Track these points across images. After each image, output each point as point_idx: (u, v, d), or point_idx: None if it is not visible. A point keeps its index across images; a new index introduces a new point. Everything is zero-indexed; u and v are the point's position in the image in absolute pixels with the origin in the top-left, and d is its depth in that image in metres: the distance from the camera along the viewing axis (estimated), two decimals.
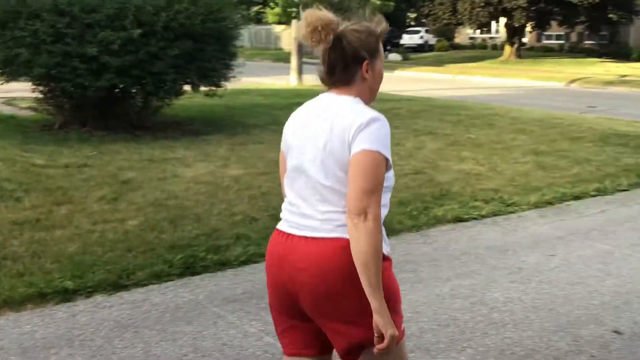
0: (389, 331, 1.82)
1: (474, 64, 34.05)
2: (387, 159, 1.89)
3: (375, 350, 1.86)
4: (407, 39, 50.26)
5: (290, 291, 1.98)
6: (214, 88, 10.44)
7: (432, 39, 50.27)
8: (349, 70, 1.98)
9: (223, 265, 4.62)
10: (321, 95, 2.07)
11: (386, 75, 2.14)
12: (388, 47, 46.45)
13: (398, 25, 59.39)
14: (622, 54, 36.23)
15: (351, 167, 1.87)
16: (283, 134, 2.12)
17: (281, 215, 2.09)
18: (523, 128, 11.41)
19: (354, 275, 1.84)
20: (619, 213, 6.48)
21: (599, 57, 36.36)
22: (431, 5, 32.66)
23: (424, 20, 34.97)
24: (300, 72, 20.89)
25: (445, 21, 33.45)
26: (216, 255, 4.71)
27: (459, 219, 6.07)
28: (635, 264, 4.94)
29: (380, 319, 1.82)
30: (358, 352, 1.97)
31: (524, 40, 44.47)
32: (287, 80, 21.40)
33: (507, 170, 8.06)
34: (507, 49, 36.17)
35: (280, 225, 2.07)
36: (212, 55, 9.86)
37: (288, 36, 32.77)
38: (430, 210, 6.19)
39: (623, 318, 3.93)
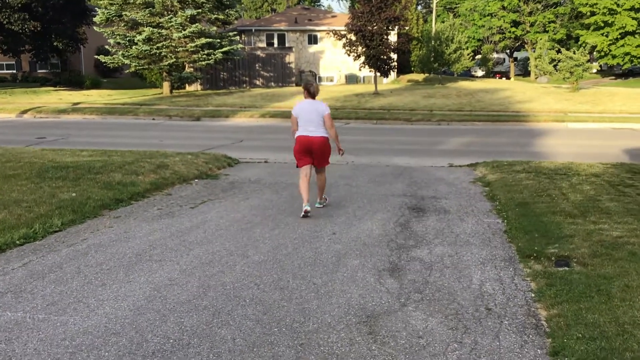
0: (342, 148, 8.08)
1: None
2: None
3: (341, 154, 8.04)
4: None
5: (311, 149, 7.70)
6: None
7: None
8: (315, 94, 7.88)
9: None
10: (308, 99, 7.83)
11: None
12: None
13: None
14: (76, 82, 36.64)
15: (326, 118, 7.73)
16: (295, 109, 7.85)
17: (301, 131, 7.72)
18: None
19: (328, 145, 7.83)
20: (44, 262, 5.60)
21: (54, 85, 35.93)
22: None
23: None
24: None
25: None
26: None
27: None
28: (47, 331, 4.08)
29: (340, 146, 8.02)
30: (322, 168, 7.99)
31: None
32: None
33: None
34: None
35: (303, 133, 7.70)
36: None
37: None
38: None
39: None
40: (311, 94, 7.82)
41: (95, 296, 4.75)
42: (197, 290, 4.89)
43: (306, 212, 7.47)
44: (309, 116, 7.67)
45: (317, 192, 8.02)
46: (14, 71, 42.14)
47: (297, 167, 7.88)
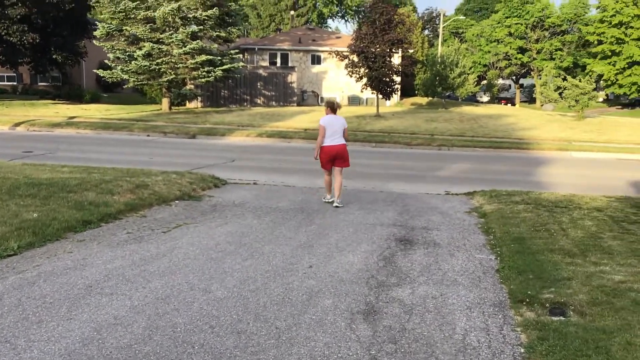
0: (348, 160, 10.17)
1: None
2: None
3: (345, 165, 10.00)
4: None
5: (335, 156, 9.73)
6: None
7: None
8: (337, 110, 9.94)
9: None
10: (331, 114, 9.76)
11: None
12: None
13: None
14: (75, 96, 36.31)
15: (345, 130, 9.81)
16: (324, 122, 9.65)
17: (328, 142, 9.65)
18: None
19: (347, 150, 9.92)
20: None
21: (54, 99, 35.62)
22: None
23: None
24: None
25: None
26: None
27: None
28: None
29: (348, 158, 10.08)
30: (342, 168, 9.94)
31: None
32: None
33: None
34: None
35: (329, 143, 9.64)
36: None
37: None
38: None
39: None
40: (334, 110, 9.82)
41: (26, 336, 4.19)
42: (143, 332, 4.33)
43: (332, 202, 9.82)
44: (334, 128, 9.65)
45: (336, 193, 9.76)
46: (15, 83, 41.90)
47: (322, 168, 10.01)
